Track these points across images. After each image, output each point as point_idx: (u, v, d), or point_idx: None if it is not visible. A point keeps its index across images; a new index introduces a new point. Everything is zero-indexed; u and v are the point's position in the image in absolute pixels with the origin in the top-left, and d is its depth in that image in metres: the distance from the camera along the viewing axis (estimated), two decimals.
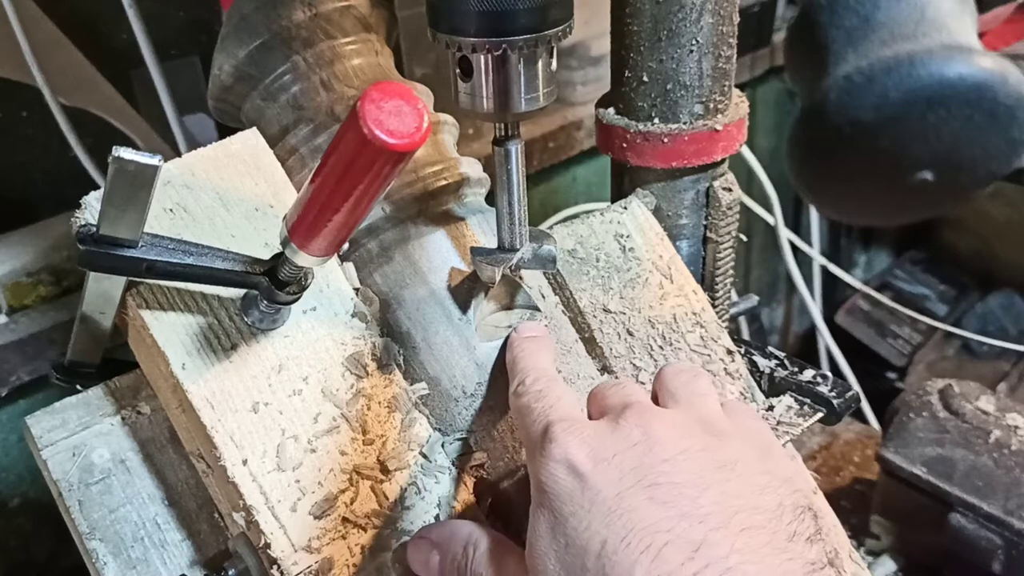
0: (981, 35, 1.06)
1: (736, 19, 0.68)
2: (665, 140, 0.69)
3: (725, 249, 0.74)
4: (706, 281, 0.75)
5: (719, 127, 0.69)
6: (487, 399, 0.58)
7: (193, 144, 1.03)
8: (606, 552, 0.40)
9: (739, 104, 0.72)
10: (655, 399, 0.51)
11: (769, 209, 1.46)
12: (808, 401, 0.68)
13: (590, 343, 0.64)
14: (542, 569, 0.43)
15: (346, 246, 0.59)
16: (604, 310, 0.65)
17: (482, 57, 0.49)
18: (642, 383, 0.64)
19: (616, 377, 0.63)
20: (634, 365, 0.64)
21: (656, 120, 0.69)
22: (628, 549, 0.40)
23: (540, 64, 0.50)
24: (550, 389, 0.50)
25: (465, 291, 0.59)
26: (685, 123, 0.69)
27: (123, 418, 0.57)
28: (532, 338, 0.57)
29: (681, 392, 0.49)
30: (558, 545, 0.42)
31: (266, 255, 0.49)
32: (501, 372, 0.58)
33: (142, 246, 0.45)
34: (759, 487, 0.43)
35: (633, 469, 0.43)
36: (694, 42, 0.66)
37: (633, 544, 0.40)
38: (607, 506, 0.41)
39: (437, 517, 0.53)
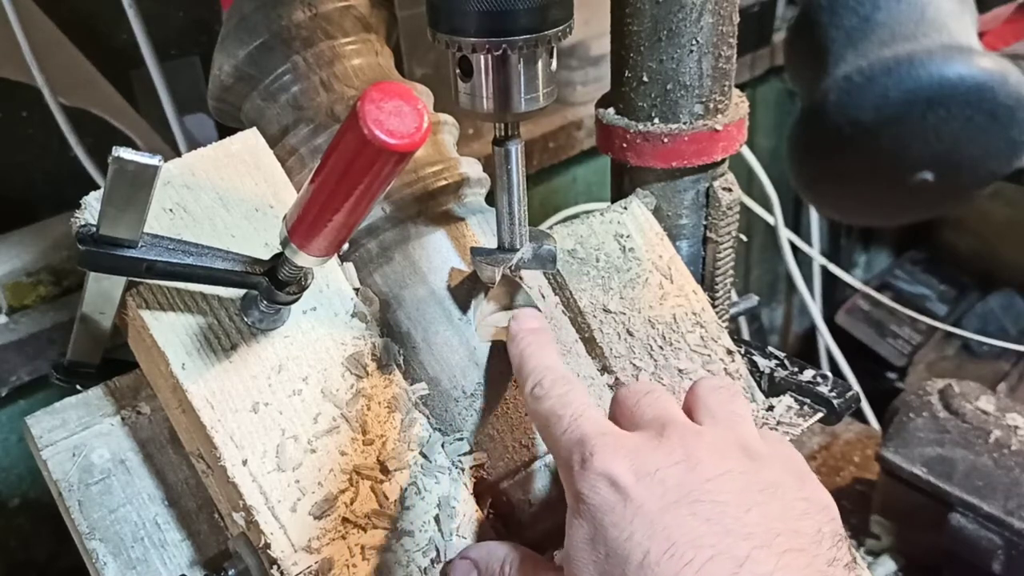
0: (981, 35, 1.06)
1: (736, 19, 0.68)
2: (665, 140, 0.69)
3: (725, 249, 0.74)
4: (706, 281, 0.75)
5: (719, 127, 0.69)
6: (487, 399, 0.58)
7: (193, 144, 1.03)
8: (648, 562, 0.40)
9: (739, 104, 0.72)
10: (687, 412, 0.50)
11: (769, 209, 1.46)
12: (808, 401, 0.68)
13: (590, 343, 0.64)
14: None
15: (346, 246, 0.59)
16: (604, 310, 0.65)
17: (482, 57, 0.49)
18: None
19: (617, 378, 0.63)
20: (634, 365, 0.64)
21: (656, 120, 0.69)
22: (671, 561, 0.40)
23: (540, 64, 0.50)
24: (572, 393, 0.49)
25: (465, 291, 0.59)
26: (685, 123, 0.69)
27: (123, 418, 0.57)
28: (534, 330, 0.56)
29: (720, 411, 0.49)
30: (598, 555, 0.42)
31: (266, 255, 0.49)
32: (502, 373, 0.58)
33: (142, 246, 0.45)
34: (799, 512, 0.43)
35: (676, 485, 0.43)
36: (694, 42, 0.66)
37: (676, 556, 0.40)
38: (650, 518, 0.41)
39: (437, 517, 0.53)
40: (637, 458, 0.44)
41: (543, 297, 0.63)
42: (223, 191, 0.54)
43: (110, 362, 0.60)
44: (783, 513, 0.42)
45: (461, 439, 0.57)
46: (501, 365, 0.58)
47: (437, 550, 0.53)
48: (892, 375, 1.91)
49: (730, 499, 0.42)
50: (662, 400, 0.49)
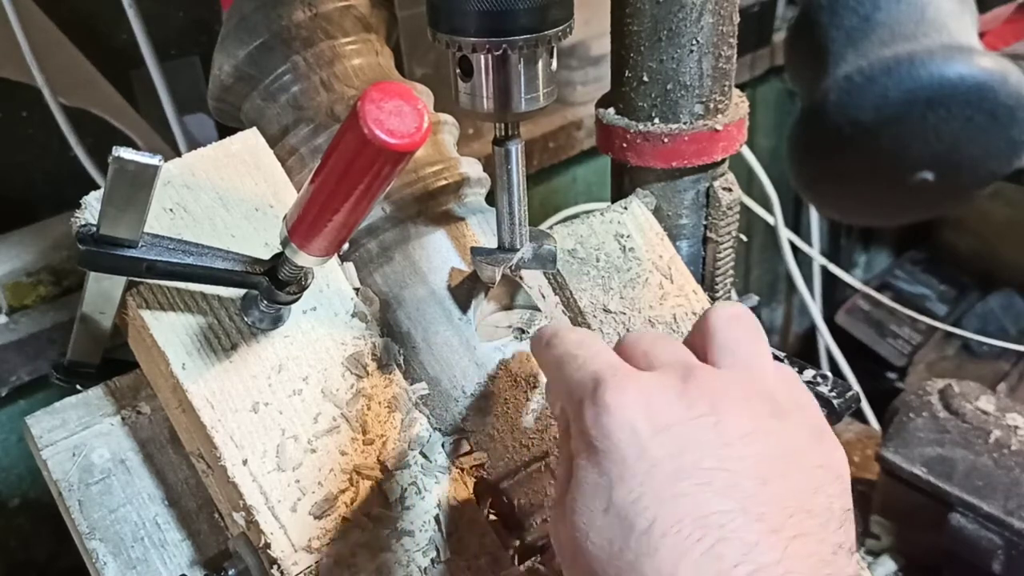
0: (981, 35, 1.06)
1: (736, 19, 0.68)
2: (665, 140, 0.69)
3: (725, 249, 0.74)
4: (706, 281, 0.75)
5: (719, 127, 0.69)
6: (488, 400, 0.58)
7: (193, 144, 1.03)
8: (654, 532, 0.38)
9: (739, 104, 0.72)
10: (700, 343, 0.46)
11: (769, 209, 1.46)
12: None
13: None
14: (574, 523, 0.40)
15: (346, 246, 0.59)
16: (604, 310, 0.65)
17: (482, 57, 0.49)
18: None
19: None
20: None
21: (656, 120, 0.69)
22: (679, 536, 0.38)
23: (540, 64, 0.50)
24: (591, 339, 0.46)
25: (465, 291, 0.59)
26: (685, 123, 0.69)
27: (123, 418, 0.57)
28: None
29: (740, 350, 0.44)
30: (597, 506, 0.40)
31: (266, 255, 0.49)
32: (502, 374, 0.58)
33: (142, 246, 0.45)
34: (813, 486, 0.41)
35: (694, 445, 0.40)
36: (694, 42, 0.66)
37: (685, 532, 0.38)
38: (661, 482, 0.39)
39: (437, 518, 0.53)
40: (657, 404, 0.41)
41: (543, 297, 0.63)
42: (223, 191, 0.54)
43: (110, 362, 0.60)
44: (798, 487, 0.40)
45: (461, 439, 0.57)
46: (503, 366, 0.58)
47: (437, 550, 0.53)
48: (892, 375, 1.91)
49: (748, 468, 0.40)
50: (677, 344, 0.45)
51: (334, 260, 0.56)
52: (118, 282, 0.50)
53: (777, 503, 0.39)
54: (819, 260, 1.70)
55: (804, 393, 0.46)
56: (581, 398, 0.42)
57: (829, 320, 1.86)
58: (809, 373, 0.69)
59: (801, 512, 0.40)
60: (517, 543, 0.57)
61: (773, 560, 0.38)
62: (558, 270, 0.64)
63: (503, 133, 0.53)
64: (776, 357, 0.71)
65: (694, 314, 0.67)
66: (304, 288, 0.50)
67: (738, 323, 0.46)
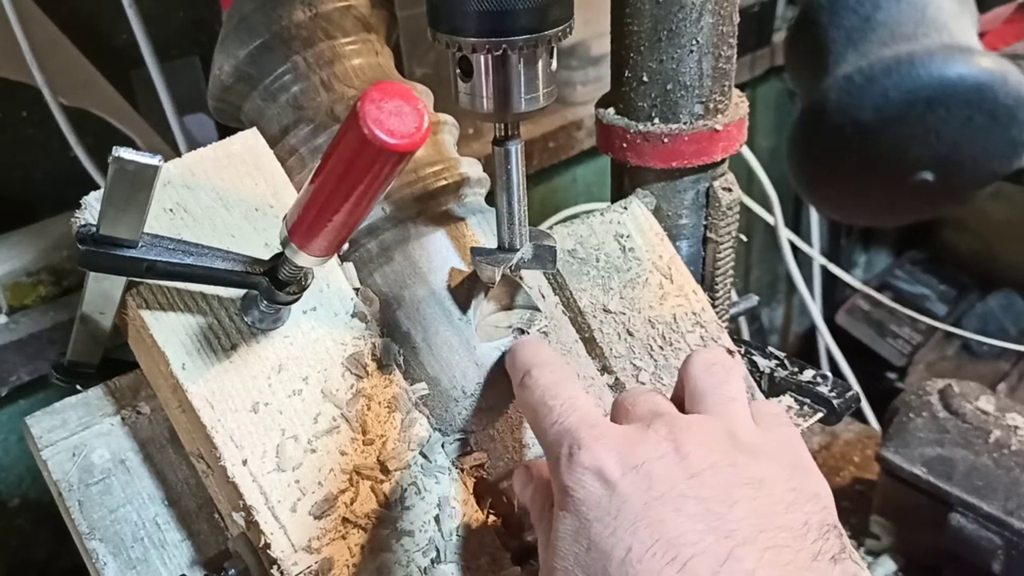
0: (981, 35, 1.06)
1: (736, 19, 0.68)
2: (665, 140, 0.69)
3: (725, 249, 0.74)
4: (706, 281, 0.75)
5: (719, 127, 0.69)
6: (487, 399, 0.58)
7: (193, 144, 1.03)
8: (630, 559, 0.40)
9: (739, 104, 0.72)
10: (680, 392, 0.50)
11: (769, 209, 1.46)
12: (808, 401, 0.68)
13: (590, 343, 0.64)
14: (559, 568, 0.43)
15: (346, 246, 0.59)
16: (604, 310, 0.65)
17: (482, 57, 0.49)
18: (642, 383, 0.64)
19: (617, 378, 0.63)
20: (634, 365, 0.64)
21: (656, 120, 0.69)
22: (654, 559, 0.40)
23: (540, 64, 0.50)
24: (563, 384, 0.49)
25: (465, 291, 0.59)
26: (685, 123, 0.69)
27: (123, 418, 0.57)
28: (532, 339, 0.57)
29: (711, 396, 0.48)
30: (579, 548, 0.42)
31: (266, 255, 0.49)
32: (502, 374, 0.58)
33: (142, 246, 0.45)
34: (785, 504, 0.43)
35: (662, 479, 0.43)
36: (694, 42, 0.66)
37: (659, 554, 0.40)
38: (634, 514, 0.42)
39: (437, 518, 0.53)
40: (624, 450, 0.44)
41: (543, 297, 0.63)
42: (223, 191, 0.54)
43: (110, 362, 0.60)
44: (769, 507, 0.42)
45: (461, 439, 0.57)
46: (502, 367, 0.58)
47: (437, 550, 0.53)
48: (892, 375, 1.91)
49: (715, 494, 0.42)
50: (656, 397, 0.49)
51: (334, 260, 0.56)
52: (118, 282, 0.50)
53: (747, 521, 0.41)
54: (819, 260, 1.70)
55: (782, 430, 0.48)
56: (557, 456, 0.46)
57: (829, 320, 1.87)
58: (809, 373, 0.69)
59: (772, 528, 0.42)
60: (517, 543, 0.57)
61: (748, 568, 0.39)
62: (558, 270, 0.64)
63: (503, 133, 0.53)
64: (776, 357, 0.71)
65: (694, 314, 0.67)
66: (304, 288, 0.50)
67: (712, 369, 0.50)
